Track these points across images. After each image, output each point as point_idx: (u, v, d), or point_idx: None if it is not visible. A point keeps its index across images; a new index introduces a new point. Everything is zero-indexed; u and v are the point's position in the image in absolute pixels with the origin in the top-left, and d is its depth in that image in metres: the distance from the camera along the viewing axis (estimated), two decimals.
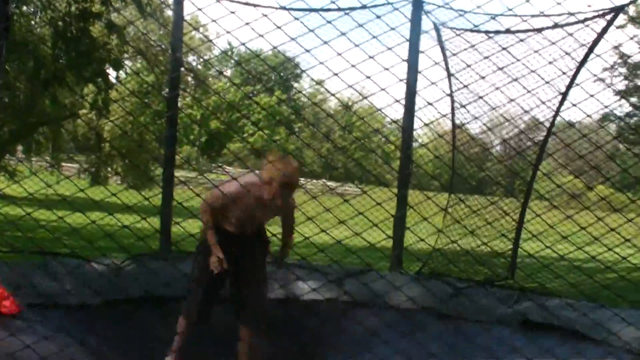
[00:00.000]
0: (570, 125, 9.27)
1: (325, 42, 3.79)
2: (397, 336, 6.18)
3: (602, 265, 4.22)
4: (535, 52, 7.44)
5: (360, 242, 4.74)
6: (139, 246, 7.40)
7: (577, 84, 8.85)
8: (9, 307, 6.14)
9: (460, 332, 4.65)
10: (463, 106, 9.76)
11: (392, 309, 7.47)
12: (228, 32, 3.85)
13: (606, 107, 8.83)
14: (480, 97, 8.35)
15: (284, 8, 6.71)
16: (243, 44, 4.06)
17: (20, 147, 23.12)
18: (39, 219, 8.33)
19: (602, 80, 19.59)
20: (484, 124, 10.03)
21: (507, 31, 8.54)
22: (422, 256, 9.85)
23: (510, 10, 3.99)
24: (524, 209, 9.79)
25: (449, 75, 9.86)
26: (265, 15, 3.84)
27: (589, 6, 7.82)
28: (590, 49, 8.51)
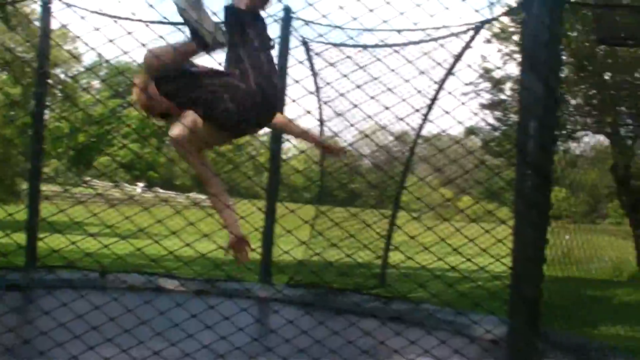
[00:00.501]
0: (431, 139, 9.53)
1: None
2: (266, 330, 6.23)
3: (461, 274, 4.38)
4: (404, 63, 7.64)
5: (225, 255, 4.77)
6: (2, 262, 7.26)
7: (434, 101, 9.13)
8: None
9: (330, 325, 4.75)
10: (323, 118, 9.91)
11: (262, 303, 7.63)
12: (92, 48, 3.85)
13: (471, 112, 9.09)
14: (339, 115, 8.50)
15: (141, 20, 6.70)
16: (107, 61, 4.02)
17: None
18: None
19: (466, 93, 20.10)
20: (346, 140, 10.20)
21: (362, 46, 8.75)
22: (291, 268, 9.96)
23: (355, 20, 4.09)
24: (392, 220, 10.01)
25: (317, 89, 9.99)
26: (130, 33, 3.83)
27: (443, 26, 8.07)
28: (455, 61, 8.77)
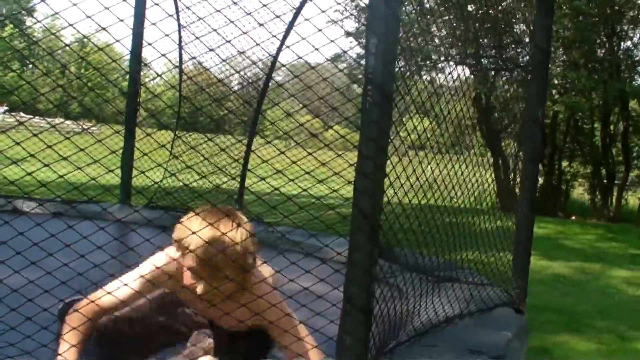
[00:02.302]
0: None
1: None
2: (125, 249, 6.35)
3: (314, 197, 4.59)
4: None
5: (85, 178, 4.82)
6: None
7: (292, 27, 9.22)
8: None
9: None
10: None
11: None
12: None
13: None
14: (198, 38, 8.52)
15: None
16: None
17: None
18: None
19: (334, 21, 20.21)
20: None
21: None
22: (151, 191, 10.06)
23: None
24: (249, 145, 10.17)
25: (177, 11, 9.96)
26: None
27: None
28: None
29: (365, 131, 3.16)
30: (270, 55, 9.67)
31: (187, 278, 3.54)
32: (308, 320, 3.74)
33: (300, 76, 6.55)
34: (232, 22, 6.65)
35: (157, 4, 3.44)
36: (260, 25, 6.22)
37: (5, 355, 3.91)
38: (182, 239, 3.44)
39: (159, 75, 5.30)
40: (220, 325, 3.80)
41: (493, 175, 8.36)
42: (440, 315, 4.94)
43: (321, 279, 3.57)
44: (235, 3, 5.16)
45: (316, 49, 3.97)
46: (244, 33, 6.34)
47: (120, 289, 3.60)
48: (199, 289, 3.48)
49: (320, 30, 3.24)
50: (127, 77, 10.70)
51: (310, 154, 3.71)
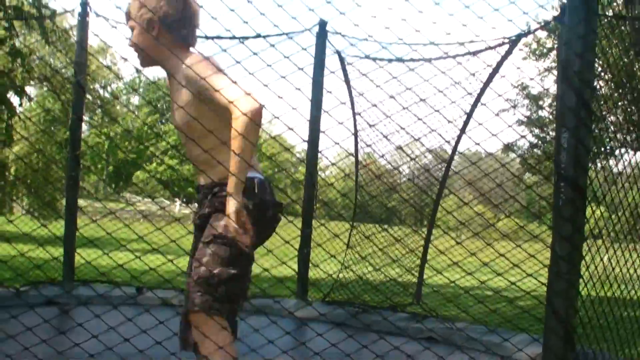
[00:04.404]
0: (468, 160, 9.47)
1: (238, 62, 3.78)
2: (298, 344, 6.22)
3: (494, 291, 4.33)
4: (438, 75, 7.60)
5: (262, 272, 4.75)
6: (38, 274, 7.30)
7: (470, 115, 9.05)
8: None
9: (361, 341, 4.72)
10: (357, 137, 9.85)
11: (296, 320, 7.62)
12: (125, 58, 3.85)
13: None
14: (372, 126, 8.43)
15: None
16: (139, 71, 4.02)
17: None
18: None
19: (506, 110, 19.96)
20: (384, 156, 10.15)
21: (399, 59, 8.69)
22: (327, 286, 9.92)
23: (401, 40, 4.06)
24: (427, 239, 9.92)
25: (352, 99, 9.95)
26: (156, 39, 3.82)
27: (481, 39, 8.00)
28: (492, 74, 8.68)
29: (558, 229, 2.99)
30: (445, 142, 9.46)
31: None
32: None
33: (473, 165, 6.37)
34: (405, 108, 6.56)
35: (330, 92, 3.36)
36: (436, 111, 6.12)
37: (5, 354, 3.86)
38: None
39: (333, 164, 5.19)
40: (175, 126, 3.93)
41: None
42: None
43: None
44: (408, 89, 5.04)
45: (494, 135, 3.78)
46: (419, 119, 6.25)
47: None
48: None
49: (497, 114, 3.07)
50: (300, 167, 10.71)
51: (489, 245, 3.51)
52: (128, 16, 3.92)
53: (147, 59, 3.92)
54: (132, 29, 3.89)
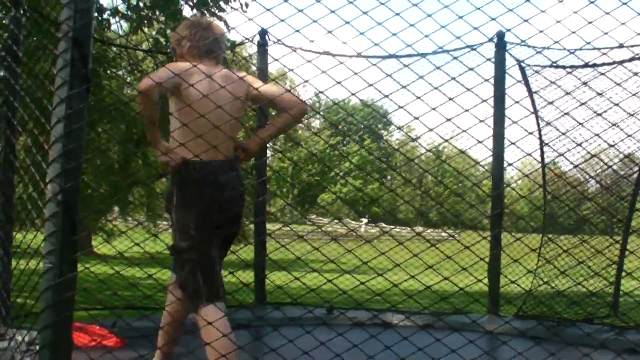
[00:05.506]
0: None
1: (421, 77, 3.72)
2: None
3: None
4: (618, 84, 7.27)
5: (452, 287, 4.67)
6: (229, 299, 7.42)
7: None
8: (113, 341, 6.66)
9: (562, 358, 4.57)
10: (547, 144, 9.58)
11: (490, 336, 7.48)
12: (306, 80, 3.86)
13: None
14: (563, 134, 8.15)
15: (360, 55, 6.70)
16: (321, 92, 4.01)
17: (116, 208, 23.34)
18: (133, 277, 8.46)
19: None
20: (573, 161, 9.80)
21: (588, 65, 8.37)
22: (518, 299, 9.66)
23: (588, 43, 3.86)
24: (623, 246, 9.53)
25: (535, 110, 9.68)
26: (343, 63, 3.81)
27: None
28: None
29: None
30: None
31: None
32: None
33: None
34: (599, 114, 6.27)
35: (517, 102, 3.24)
36: (631, 115, 5.83)
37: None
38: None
39: (526, 176, 5.07)
40: None
41: None
42: None
43: None
44: (600, 94, 4.82)
45: None
46: (614, 125, 5.97)
47: None
48: None
49: None
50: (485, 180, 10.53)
51: None
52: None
53: None
54: None
